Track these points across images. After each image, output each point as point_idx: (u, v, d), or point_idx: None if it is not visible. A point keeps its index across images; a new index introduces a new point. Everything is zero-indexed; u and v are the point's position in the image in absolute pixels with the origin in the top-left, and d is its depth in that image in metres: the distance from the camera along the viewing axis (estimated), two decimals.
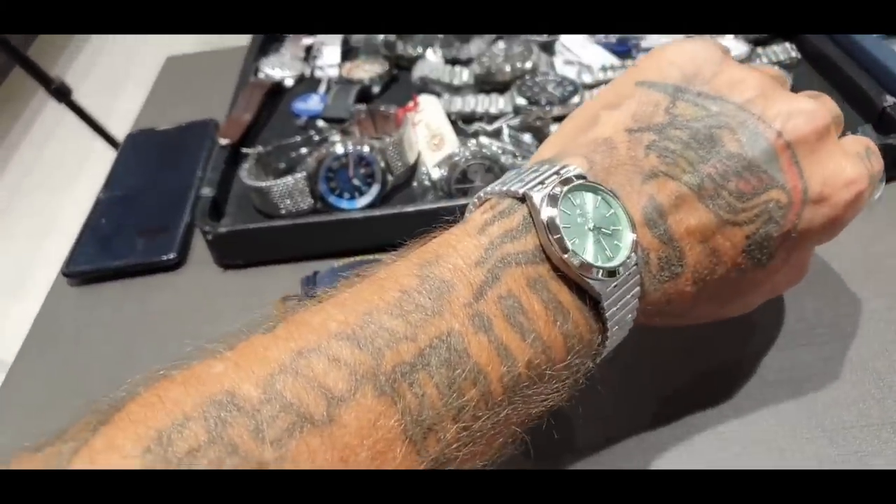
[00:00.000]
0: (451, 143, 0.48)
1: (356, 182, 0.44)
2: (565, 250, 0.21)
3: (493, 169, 0.42)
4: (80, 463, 0.16)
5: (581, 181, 0.23)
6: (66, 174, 1.61)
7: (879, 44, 0.47)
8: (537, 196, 0.22)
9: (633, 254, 0.22)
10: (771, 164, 0.24)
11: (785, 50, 0.53)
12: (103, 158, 1.21)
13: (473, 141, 0.43)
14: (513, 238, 0.22)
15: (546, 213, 0.22)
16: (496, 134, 0.48)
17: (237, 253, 0.43)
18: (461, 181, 0.42)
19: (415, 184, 0.44)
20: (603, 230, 0.22)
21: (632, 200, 0.23)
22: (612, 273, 0.22)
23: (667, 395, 0.32)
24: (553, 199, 0.22)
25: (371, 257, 0.40)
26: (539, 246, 0.22)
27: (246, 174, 0.45)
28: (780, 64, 0.51)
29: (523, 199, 0.22)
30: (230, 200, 0.47)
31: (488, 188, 0.24)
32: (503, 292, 0.21)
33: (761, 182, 0.24)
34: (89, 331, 0.42)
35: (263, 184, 0.43)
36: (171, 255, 0.44)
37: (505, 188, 0.23)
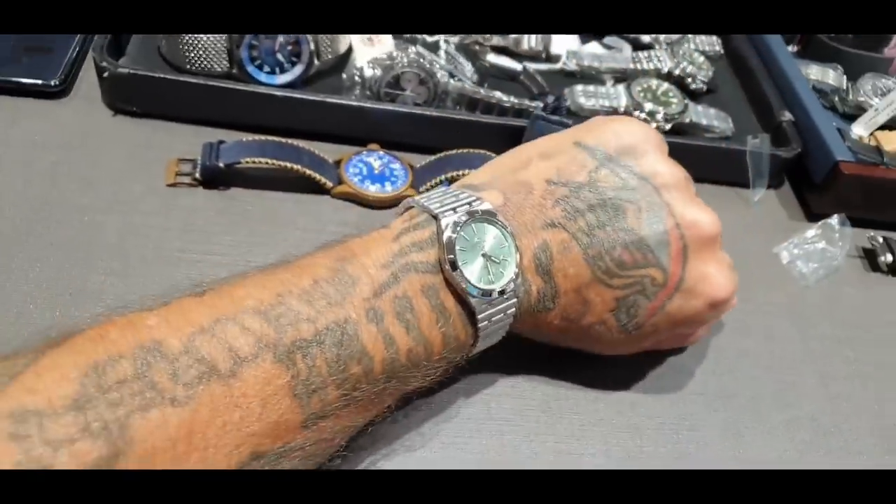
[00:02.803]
0: (387, 42, 0.46)
1: (280, 57, 0.41)
2: (455, 269, 0.25)
3: (427, 83, 0.41)
4: (28, 375, 0.19)
5: (485, 216, 0.26)
6: None
7: (792, 62, 0.50)
8: (445, 220, 0.25)
9: (511, 283, 0.26)
10: (660, 248, 0.28)
11: (711, 42, 0.55)
12: None
13: (413, 48, 0.41)
14: (419, 249, 0.25)
15: (448, 235, 0.25)
16: (434, 47, 0.46)
17: (135, 99, 0.39)
18: (392, 86, 0.41)
19: (344, 76, 0.42)
20: (493, 259, 0.26)
21: (528, 239, 0.27)
22: (488, 294, 0.25)
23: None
24: (457, 226, 0.25)
25: (279, 140, 0.38)
26: (439, 260, 0.25)
27: None
28: (703, 53, 0.53)
29: (436, 217, 0.26)
30: (132, 37, 0.42)
31: (417, 198, 0.27)
32: (399, 293, 0.24)
33: (644, 259, 0.28)
34: None
35: (182, 34, 0.39)
36: (54, 82, 0.39)
37: (427, 203, 0.26)
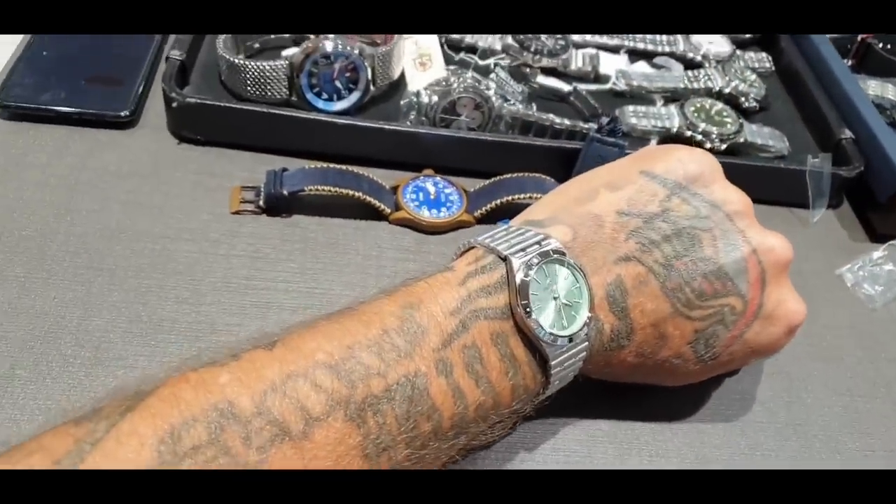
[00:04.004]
0: (439, 66, 0.46)
1: (338, 84, 0.41)
2: (529, 315, 0.24)
3: (482, 107, 0.41)
4: (110, 442, 0.19)
5: (557, 256, 0.25)
6: None
7: (851, 77, 0.49)
8: (516, 262, 0.24)
9: (585, 327, 0.25)
10: (739, 275, 0.27)
11: (761, 59, 0.54)
12: None
13: (470, 74, 0.41)
14: (488, 294, 0.24)
15: (520, 278, 0.24)
16: (485, 71, 0.46)
17: (201, 127, 0.40)
18: (448, 111, 0.41)
19: (402, 101, 0.42)
20: (566, 302, 0.25)
21: (600, 276, 0.26)
22: (562, 340, 0.24)
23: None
24: (529, 268, 0.24)
25: (339, 167, 0.38)
26: (508, 304, 0.24)
27: (222, 45, 0.41)
28: (754, 70, 0.52)
29: (505, 259, 0.24)
30: (195, 67, 0.43)
31: (479, 238, 0.26)
32: (468, 342, 0.23)
33: (724, 288, 0.27)
34: (24, 170, 0.37)
35: (244, 62, 0.40)
36: (124, 113, 0.40)
37: (493, 244, 0.25)
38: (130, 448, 0.19)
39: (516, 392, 0.24)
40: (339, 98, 0.42)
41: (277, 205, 0.37)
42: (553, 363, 0.24)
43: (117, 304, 0.32)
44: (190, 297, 0.33)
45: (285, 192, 0.36)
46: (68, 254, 0.34)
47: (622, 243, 0.26)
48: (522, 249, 0.25)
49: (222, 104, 0.39)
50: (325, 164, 0.38)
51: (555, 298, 0.24)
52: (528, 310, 0.24)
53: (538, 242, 0.25)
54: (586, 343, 0.25)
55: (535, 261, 0.24)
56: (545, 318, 0.24)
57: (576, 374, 0.26)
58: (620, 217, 0.27)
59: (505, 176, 0.40)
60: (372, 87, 0.42)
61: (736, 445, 0.31)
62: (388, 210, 0.38)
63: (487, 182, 0.40)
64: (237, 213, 0.37)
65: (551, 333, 0.24)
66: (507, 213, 0.38)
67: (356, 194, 0.37)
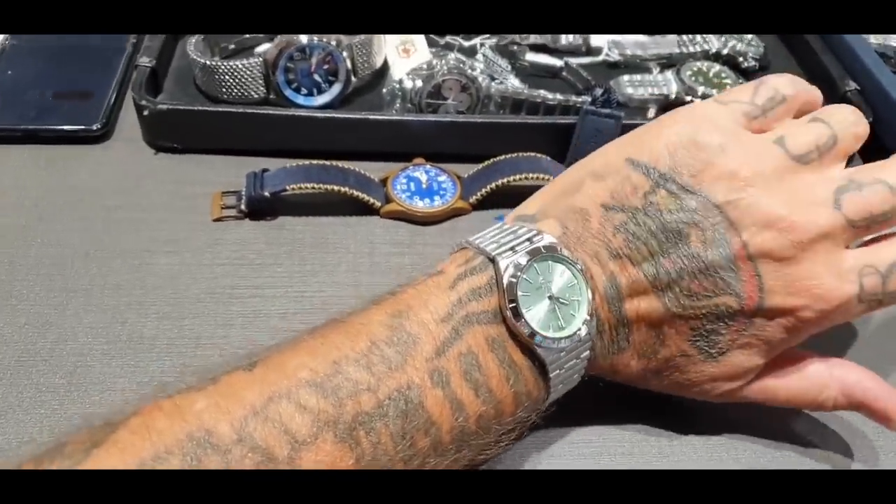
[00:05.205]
0: (423, 51, 0.44)
1: (317, 78, 0.39)
2: (518, 317, 0.22)
3: (469, 89, 0.38)
4: None
5: (550, 252, 0.23)
6: None
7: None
8: (503, 262, 0.22)
9: (583, 326, 0.23)
10: (729, 272, 0.24)
11: None
12: None
13: (453, 55, 0.38)
14: (479, 297, 0.22)
15: (507, 279, 0.22)
16: (470, 52, 0.43)
17: (176, 135, 0.37)
18: (433, 96, 0.38)
19: (384, 90, 0.39)
20: (561, 300, 0.23)
21: (597, 273, 0.24)
22: (558, 341, 0.22)
23: None
24: (518, 268, 0.22)
25: (323, 163, 0.36)
26: (500, 307, 0.22)
27: (193, 48, 0.38)
28: None
29: (493, 259, 0.23)
30: (168, 74, 0.41)
31: (470, 238, 0.24)
32: (463, 349, 0.21)
33: (715, 286, 0.24)
34: None
35: (216, 62, 0.37)
36: (96, 126, 0.37)
37: (482, 245, 0.23)
38: None
39: (519, 399, 0.22)
40: (320, 92, 0.39)
41: (260, 207, 0.35)
42: (551, 366, 0.22)
43: (94, 326, 0.29)
44: (172, 311, 0.30)
45: (267, 194, 0.34)
46: (40, 276, 0.31)
47: (612, 238, 0.24)
48: (511, 248, 0.23)
49: (195, 108, 0.36)
50: (307, 162, 0.35)
51: (550, 297, 0.22)
52: (516, 311, 0.22)
53: (529, 239, 0.23)
54: (589, 342, 0.23)
55: (524, 260, 0.22)
56: (536, 320, 0.22)
57: (580, 375, 0.24)
58: (606, 211, 0.24)
59: (499, 158, 0.37)
60: (353, 78, 0.40)
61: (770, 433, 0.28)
62: (378, 203, 0.35)
63: (481, 166, 0.37)
64: (219, 219, 0.35)
65: (543, 335, 0.22)
66: (502, 196, 0.35)
67: (342, 189, 0.34)
